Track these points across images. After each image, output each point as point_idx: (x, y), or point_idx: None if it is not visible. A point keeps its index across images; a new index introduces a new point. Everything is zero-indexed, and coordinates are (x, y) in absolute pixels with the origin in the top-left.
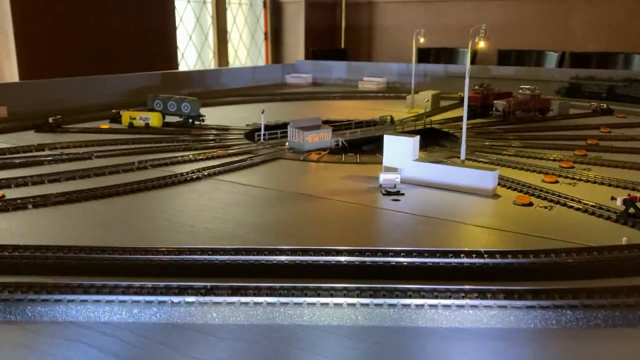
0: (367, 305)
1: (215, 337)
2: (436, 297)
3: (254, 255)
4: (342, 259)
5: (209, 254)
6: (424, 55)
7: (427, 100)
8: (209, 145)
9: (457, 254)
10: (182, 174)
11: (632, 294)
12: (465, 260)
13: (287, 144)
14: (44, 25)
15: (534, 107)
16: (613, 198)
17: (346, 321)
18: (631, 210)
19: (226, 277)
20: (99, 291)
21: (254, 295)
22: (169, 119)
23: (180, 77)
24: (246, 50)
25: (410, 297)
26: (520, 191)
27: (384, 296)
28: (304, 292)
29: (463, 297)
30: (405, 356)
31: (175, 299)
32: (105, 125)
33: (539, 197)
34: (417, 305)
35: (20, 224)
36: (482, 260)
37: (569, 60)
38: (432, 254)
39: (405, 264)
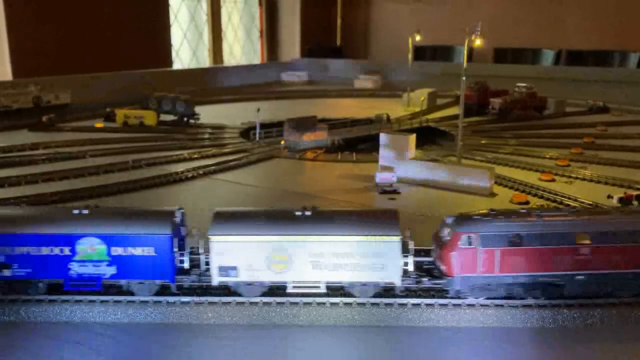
0: (363, 304)
1: (211, 337)
2: (433, 297)
3: None
4: None
5: None
6: (421, 53)
7: (423, 99)
8: (204, 144)
9: None
10: (177, 173)
11: None
12: None
13: (282, 142)
14: (37, 24)
15: (531, 105)
16: (610, 196)
17: (342, 320)
18: None
19: None
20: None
21: None
22: (163, 117)
23: (175, 76)
24: (241, 48)
25: (406, 296)
26: (517, 189)
27: (380, 295)
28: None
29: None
30: (402, 355)
31: (171, 299)
32: (99, 124)
33: (535, 195)
34: (413, 305)
35: None
36: None
37: (565, 58)
38: (429, 252)
39: None
